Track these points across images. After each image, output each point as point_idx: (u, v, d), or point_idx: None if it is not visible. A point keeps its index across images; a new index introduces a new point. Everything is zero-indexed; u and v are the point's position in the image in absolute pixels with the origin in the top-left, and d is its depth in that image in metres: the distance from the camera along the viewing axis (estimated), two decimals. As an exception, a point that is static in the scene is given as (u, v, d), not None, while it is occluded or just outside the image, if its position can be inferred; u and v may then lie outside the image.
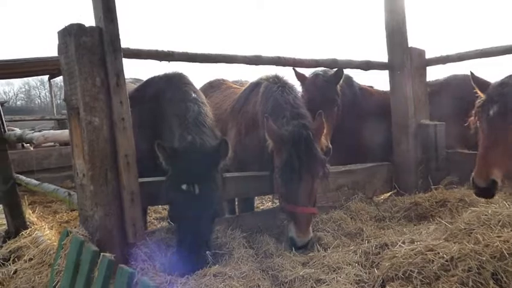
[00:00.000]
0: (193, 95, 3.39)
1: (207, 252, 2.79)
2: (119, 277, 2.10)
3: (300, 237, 3.11)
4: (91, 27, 2.87)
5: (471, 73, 3.39)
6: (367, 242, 3.07)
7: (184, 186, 2.76)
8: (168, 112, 3.31)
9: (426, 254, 2.40)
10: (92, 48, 2.84)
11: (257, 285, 2.46)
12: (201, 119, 3.17)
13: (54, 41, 2.98)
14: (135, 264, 2.87)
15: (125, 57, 2.98)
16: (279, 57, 3.94)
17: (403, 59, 4.55)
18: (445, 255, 2.33)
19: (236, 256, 2.85)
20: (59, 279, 2.62)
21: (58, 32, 2.95)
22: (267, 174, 3.79)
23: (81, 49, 2.80)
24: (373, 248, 2.88)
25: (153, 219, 5.78)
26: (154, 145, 2.84)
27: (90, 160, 2.83)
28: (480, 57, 4.28)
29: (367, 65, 4.50)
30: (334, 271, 2.64)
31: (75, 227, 3.08)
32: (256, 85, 4.18)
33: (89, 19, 2.98)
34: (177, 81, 3.55)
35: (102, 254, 2.34)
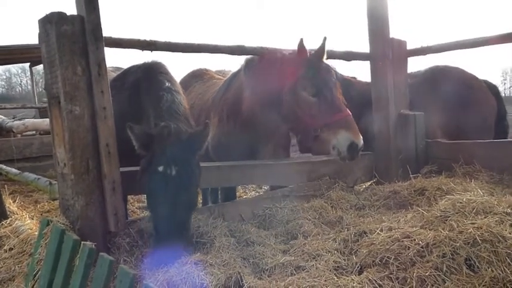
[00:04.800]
0: (167, 84, 3.37)
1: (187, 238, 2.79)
2: (99, 266, 2.12)
3: (358, 139, 3.36)
4: (72, 16, 2.84)
5: None
6: (347, 229, 3.13)
7: (160, 168, 2.71)
8: (145, 102, 3.30)
9: (403, 241, 2.47)
10: (73, 36, 2.81)
11: (238, 272, 2.50)
12: (175, 107, 3.16)
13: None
14: (116, 253, 2.89)
15: (106, 46, 2.96)
16: (262, 48, 3.95)
17: (385, 50, 4.59)
18: (420, 242, 2.40)
19: (217, 245, 2.88)
20: (39, 268, 2.63)
21: (39, 20, 2.92)
22: (249, 164, 3.85)
23: (62, 38, 2.78)
24: (352, 235, 2.94)
25: (136, 208, 5.78)
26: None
27: (71, 149, 2.82)
28: (460, 49, 4.37)
29: (349, 56, 4.53)
30: (313, 258, 2.70)
31: (56, 217, 3.07)
32: (237, 72, 4.22)
33: (71, 7, 2.96)
34: (153, 71, 3.53)
35: (83, 242, 2.35)
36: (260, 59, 3.96)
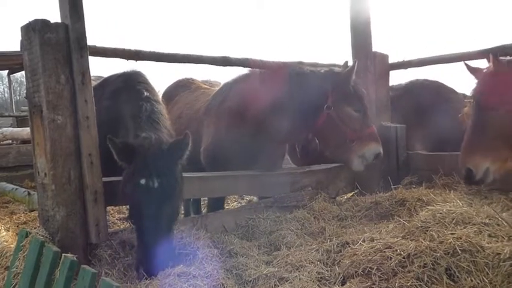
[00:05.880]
0: (146, 93, 3.35)
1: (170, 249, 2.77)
2: (81, 278, 2.09)
3: (381, 149, 3.93)
4: (56, 24, 2.82)
5: (464, 63, 3.50)
6: (329, 240, 3.15)
7: (143, 181, 2.68)
8: (123, 111, 3.28)
9: (385, 252, 2.50)
10: (57, 45, 2.78)
11: (221, 284, 2.49)
12: (155, 117, 3.15)
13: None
14: (98, 266, 2.84)
15: (90, 55, 2.94)
16: (246, 59, 3.99)
17: (367, 63, 4.69)
18: (402, 252, 2.43)
19: (200, 256, 2.86)
20: (16, 282, 2.56)
21: (21, 27, 2.88)
22: (232, 175, 3.84)
23: (46, 46, 2.75)
24: (335, 246, 2.96)
25: (117, 219, 5.70)
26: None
27: (52, 159, 2.78)
28: (440, 63, 4.49)
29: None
30: (297, 269, 2.70)
31: (34, 228, 3.01)
32: (236, 82, 4.30)
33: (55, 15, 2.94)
34: (132, 80, 3.51)
35: (63, 254, 2.31)
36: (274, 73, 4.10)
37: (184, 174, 3.33)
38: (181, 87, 5.35)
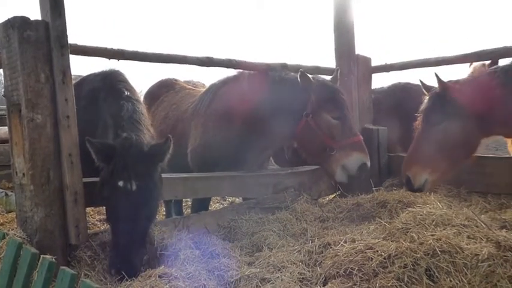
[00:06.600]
0: (126, 92, 3.30)
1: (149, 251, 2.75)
2: (60, 280, 2.05)
3: (368, 160, 3.69)
4: (36, 21, 2.76)
5: (420, 81, 3.78)
6: (311, 241, 3.16)
7: (121, 183, 2.66)
8: (103, 111, 3.23)
9: (366, 252, 2.52)
10: (37, 43, 2.74)
11: (203, 285, 2.47)
12: (136, 117, 3.11)
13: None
14: (77, 267, 2.80)
15: (72, 53, 2.90)
16: (230, 60, 4.00)
17: (350, 65, 4.74)
18: (383, 253, 2.45)
19: (182, 257, 2.84)
20: (-7, 284, 2.50)
21: (0, 24, 2.83)
22: (216, 176, 3.83)
23: (25, 43, 2.70)
24: (317, 247, 2.97)
25: (97, 220, 5.61)
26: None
27: (31, 159, 2.72)
28: (422, 67, 4.57)
29: (316, 70, 4.64)
30: (279, 270, 2.70)
31: (11, 230, 2.94)
32: (223, 84, 4.24)
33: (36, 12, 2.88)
34: (111, 79, 3.45)
35: (42, 256, 2.27)
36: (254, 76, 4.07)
37: (167, 175, 3.31)
38: (165, 87, 5.31)
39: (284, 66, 4.32)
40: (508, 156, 4.34)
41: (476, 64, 5.14)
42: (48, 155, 2.78)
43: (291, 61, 4.43)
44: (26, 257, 2.34)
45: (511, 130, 3.60)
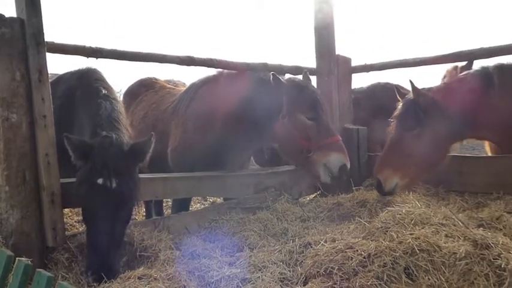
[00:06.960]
0: (104, 91, 3.27)
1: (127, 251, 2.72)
2: (36, 283, 2.00)
3: (348, 162, 3.61)
4: (11, 18, 2.71)
5: (395, 87, 3.93)
6: (292, 241, 3.17)
7: (100, 181, 2.62)
8: (79, 110, 3.19)
9: (346, 252, 2.53)
10: (12, 40, 2.68)
11: (183, 286, 2.46)
12: (115, 116, 3.08)
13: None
14: (54, 269, 2.74)
15: (48, 51, 2.85)
16: (211, 59, 3.97)
17: (331, 66, 4.77)
18: (363, 252, 2.47)
19: (162, 258, 2.82)
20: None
21: (-27, 22, 2.75)
22: (196, 176, 3.81)
23: (-1, 41, 2.63)
24: (297, 247, 2.98)
25: (75, 221, 5.52)
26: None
27: (6, 159, 2.67)
28: (401, 67, 4.62)
29: (297, 70, 4.64)
30: (259, 270, 2.70)
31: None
32: (203, 84, 4.23)
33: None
34: (88, 78, 3.41)
35: (17, 258, 2.21)
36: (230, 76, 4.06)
37: (147, 175, 3.28)
38: (145, 86, 5.25)
39: (265, 66, 4.31)
40: (484, 155, 4.42)
41: (448, 67, 5.26)
42: (23, 155, 2.72)
43: (272, 61, 4.43)
44: (1, 260, 2.28)
45: (483, 133, 3.70)
